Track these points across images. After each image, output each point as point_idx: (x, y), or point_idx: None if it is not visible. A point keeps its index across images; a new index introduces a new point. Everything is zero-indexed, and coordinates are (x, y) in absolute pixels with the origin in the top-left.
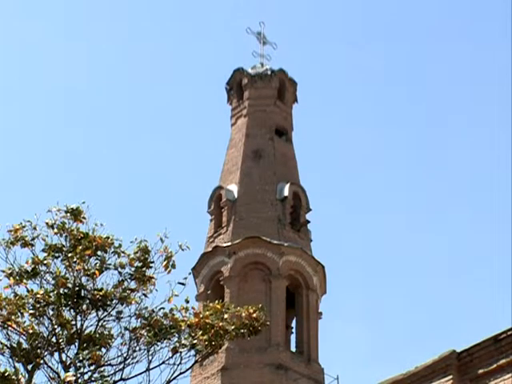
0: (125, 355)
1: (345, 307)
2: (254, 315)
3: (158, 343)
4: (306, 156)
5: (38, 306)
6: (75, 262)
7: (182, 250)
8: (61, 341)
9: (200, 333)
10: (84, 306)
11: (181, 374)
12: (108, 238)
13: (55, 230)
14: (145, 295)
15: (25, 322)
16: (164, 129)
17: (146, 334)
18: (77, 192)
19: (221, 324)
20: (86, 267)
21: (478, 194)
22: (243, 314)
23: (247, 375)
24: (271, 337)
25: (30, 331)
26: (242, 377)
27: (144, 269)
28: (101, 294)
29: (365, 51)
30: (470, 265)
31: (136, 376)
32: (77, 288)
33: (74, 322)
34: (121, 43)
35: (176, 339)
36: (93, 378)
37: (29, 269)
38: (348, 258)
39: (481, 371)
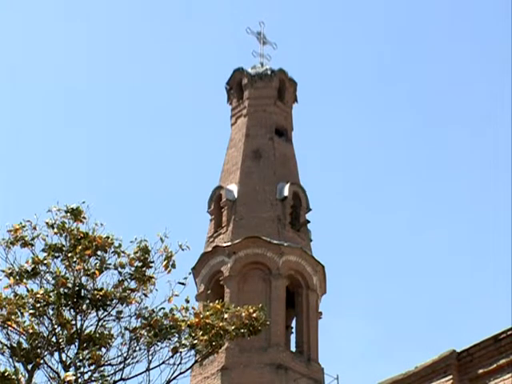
0: (125, 355)
1: (345, 307)
2: (254, 315)
3: (158, 343)
4: (306, 156)
5: (38, 305)
6: (75, 261)
7: (182, 249)
8: (61, 341)
9: (200, 333)
10: (84, 306)
11: (181, 373)
12: (108, 237)
13: (55, 230)
14: (145, 295)
15: (25, 321)
16: (164, 129)
17: (146, 334)
18: (77, 192)
19: (221, 324)
20: (85, 267)
21: (479, 194)
22: (243, 314)
23: (247, 375)
24: (271, 337)
25: (30, 331)
26: (242, 377)
27: (144, 269)
28: (101, 293)
29: (365, 51)
30: (470, 264)
31: (136, 376)
32: (77, 288)
33: (74, 322)
34: (121, 44)
35: (176, 339)
36: (93, 378)
37: (29, 269)
38: (348, 258)
39: (481, 371)
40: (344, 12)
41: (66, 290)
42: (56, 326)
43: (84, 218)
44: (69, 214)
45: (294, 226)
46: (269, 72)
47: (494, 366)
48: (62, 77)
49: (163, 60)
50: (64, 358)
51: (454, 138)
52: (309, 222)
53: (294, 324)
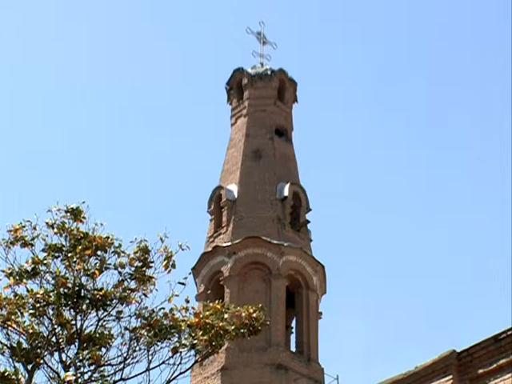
0: (125, 355)
1: (345, 307)
2: (254, 315)
3: (158, 343)
4: (306, 156)
5: (38, 305)
6: (75, 261)
7: (182, 249)
8: (61, 341)
9: (200, 333)
10: (84, 306)
11: (181, 373)
12: (108, 237)
13: (55, 230)
14: (145, 295)
15: (25, 321)
16: (164, 129)
17: (146, 333)
18: (77, 192)
19: (221, 324)
20: (85, 267)
21: (479, 194)
22: (243, 314)
23: (247, 375)
24: (271, 337)
25: (30, 331)
26: (242, 377)
27: (144, 269)
28: (101, 293)
29: (365, 51)
30: (470, 264)
31: (136, 376)
32: (77, 288)
33: (74, 322)
34: (121, 44)
35: (176, 339)
36: (93, 378)
37: (29, 269)
38: (348, 258)
39: (481, 371)
40: (344, 12)
41: (65, 290)
42: (56, 326)
43: (84, 217)
44: (69, 214)
45: (294, 226)
46: (269, 72)
47: (494, 365)
48: (61, 76)
49: (163, 60)
50: (64, 358)
51: (454, 138)
52: (309, 222)
53: (294, 324)
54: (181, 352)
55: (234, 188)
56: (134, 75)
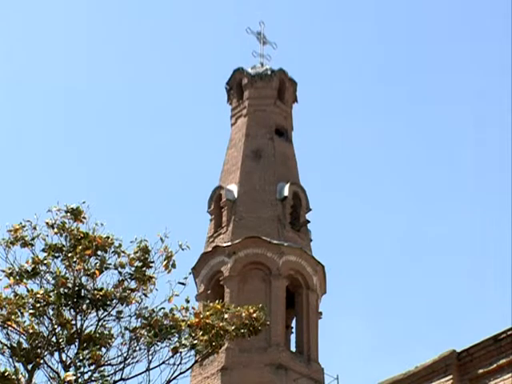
0: (125, 355)
1: (345, 307)
2: (254, 315)
3: (158, 343)
4: (306, 156)
5: (38, 305)
6: (75, 261)
7: (182, 249)
8: (61, 341)
9: (200, 333)
10: (84, 306)
11: (181, 373)
12: (108, 237)
13: (55, 230)
14: (145, 295)
15: (25, 321)
16: (164, 129)
17: (146, 333)
18: (77, 192)
19: (221, 324)
20: (85, 267)
21: (479, 193)
22: (243, 314)
23: (247, 375)
24: (271, 337)
25: (30, 331)
26: (242, 377)
27: (144, 268)
28: (101, 293)
29: (365, 51)
30: (470, 264)
31: (136, 376)
32: (77, 288)
33: (74, 322)
34: (121, 44)
35: (176, 339)
36: (93, 378)
37: (29, 268)
38: (348, 258)
39: (481, 371)
40: (344, 12)
41: (66, 290)
42: (56, 326)
43: (84, 217)
44: (69, 214)
45: (294, 226)
46: (269, 72)
47: (494, 365)
48: (62, 76)
49: (163, 60)
50: (64, 358)
51: (455, 138)
52: (309, 221)
53: (294, 324)
54: (181, 352)
55: (234, 188)
56: (134, 75)
